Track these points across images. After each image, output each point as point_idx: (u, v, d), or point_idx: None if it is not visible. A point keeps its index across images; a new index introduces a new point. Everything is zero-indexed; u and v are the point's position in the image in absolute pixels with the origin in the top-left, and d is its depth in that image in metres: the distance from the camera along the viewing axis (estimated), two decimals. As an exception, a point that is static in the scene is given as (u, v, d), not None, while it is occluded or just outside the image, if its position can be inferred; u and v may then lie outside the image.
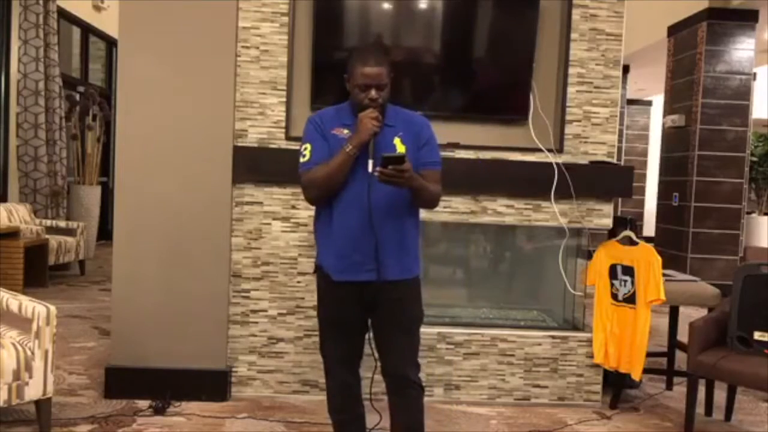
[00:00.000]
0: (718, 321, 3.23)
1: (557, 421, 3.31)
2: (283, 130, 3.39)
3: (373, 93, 2.27)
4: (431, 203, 2.44)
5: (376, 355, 2.42)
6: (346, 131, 2.32)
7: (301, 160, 2.34)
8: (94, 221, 7.43)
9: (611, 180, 3.50)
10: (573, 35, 3.48)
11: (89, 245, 7.09)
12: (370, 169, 2.23)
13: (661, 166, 7.80)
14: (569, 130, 3.51)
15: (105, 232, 8.15)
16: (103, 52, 9.39)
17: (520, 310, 3.96)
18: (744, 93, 6.90)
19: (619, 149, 10.22)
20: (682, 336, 3.49)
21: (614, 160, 3.54)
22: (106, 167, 8.56)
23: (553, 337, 3.54)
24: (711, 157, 6.89)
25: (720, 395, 3.46)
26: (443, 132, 3.45)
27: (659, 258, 3.36)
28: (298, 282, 3.43)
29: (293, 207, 3.41)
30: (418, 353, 2.46)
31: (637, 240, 3.49)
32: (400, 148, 2.32)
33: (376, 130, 2.25)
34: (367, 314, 2.41)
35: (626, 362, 3.40)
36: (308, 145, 2.34)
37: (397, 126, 2.36)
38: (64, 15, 7.72)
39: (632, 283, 3.39)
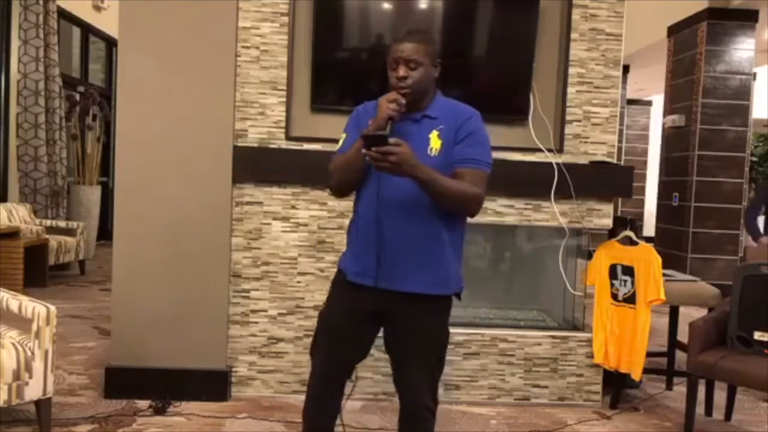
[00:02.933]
0: (718, 321, 3.23)
1: (557, 421, 3.31)
2: (283, 130, 3.39)
3: (401, 71, 2.06)
4: (458, 205, 2.11)
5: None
6: None
7: (336, 149, 2.21)
8: (94, 221, 7.43)
9: (611, 180, 3.50)
10: (573, 35, 3.48)
11: (89, 245, 7.09)
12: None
13: (661, 166, 7.80)
14: (569, 130, 3.51)
15: (105, 232, 8.14)
16: (103, 52, 9.38)
17: (520, 310, 3.96)
18: (744, 93, 6.90)
19: (619, 149, 10.21)
20: (682, 336, 3.49)
21: (614, 160, 3.54)
22: (106, 167, 8.56)
23: (553, 337, 3.54)
24: (711, 157, 6.88)
25: (720, 395, 3.46)
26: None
27: (659, 258, 3.36)
28: (298, 282, 3.43)
29: (293, 207, 3.41)
30: (439, 379, 2.24)
31: (637, 240, 3.49)
32: (435, 144, 2.08)
33: (392, 114, 2.02)
34: (375, 329, 2.20)
35: (626, 362, 3.40)
36: (344, 135, 2.20)
37: (441, 119, 2.12)
38: (64, 15, 7.72)
39: (632, 283, 3.39)
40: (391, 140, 1.92)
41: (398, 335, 2.17)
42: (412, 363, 2.17)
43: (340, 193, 2.23)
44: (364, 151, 1.92)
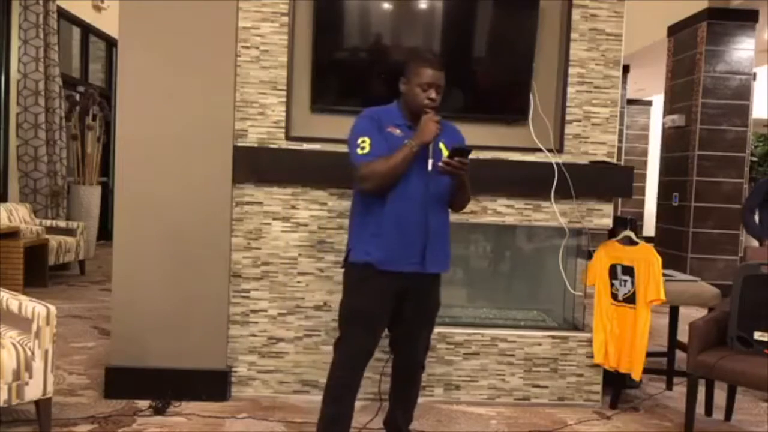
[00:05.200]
0: (718, 321, 3.23)
1: (557, 421, 3.31)
2: (283, 130, 3.39)
3: (433, 94, 2.46)
4: (466, 204, 2.68)
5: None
6: (398, 131, 2.50)
7: (359, 152, 2.46)
8: (94, 221, 7.43)
9: (611, 180, 3.50)
10: (573, 35, 3.48)
11: (89, 245, 7.08)
12: (429, 168, 2.40)
13: (661, 166, 7.80)
14: (569, 130, 3.51)
15: (105, 232, 8.14)
16: (103, 52, 9.38)
17: (520, 310, 3.96)
18: (744, 93, 6.90)
19: (619, 149, 10.22)
20: (682, 336, 3.49)
21: (614, 160, 3.54)
22: (106, 167, 8.56)
23: (553, 337, 3.54)
24: (711, 157, 6.89)
25: (720, 395, 3.46)
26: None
27: (659, 258, 3.36)
28: (298, 282, 3.43)
29: (293, 207, 3.41)
30: None
31: (637, 240, 3.49)
32: (446, 153, 2.47)
33: (438, 133, 2.42)
34: (393, 307, 2.56)
35: (626, 362, 3.40)
36: (367, 139, 2.46)
37: (440, 134, 2.50)
38: (64, 15, 7.72)
39: (632, 283, 3.39)
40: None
41: (417, 308, 2.60)
42: (422, 330, 2.68)
43: (377, 193, 2.49)
44: (446, 159, 2.37)
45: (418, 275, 2.50)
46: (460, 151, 2.36)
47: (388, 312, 2.56)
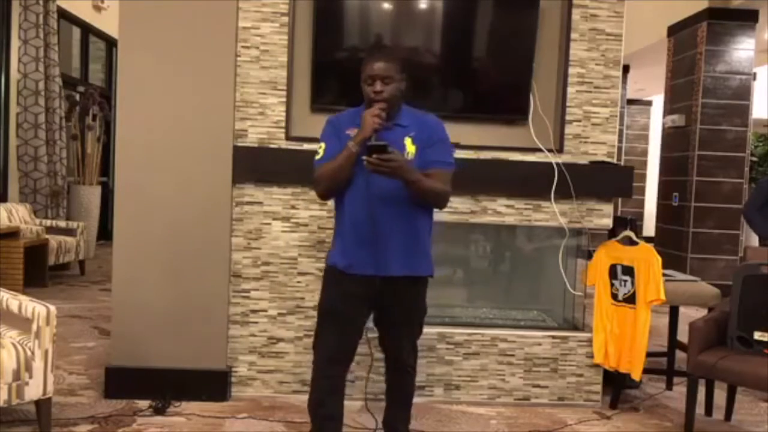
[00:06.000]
0: (718, 321, 3.23)
1: (557, 421, 3.31)
2: (283, 130, 3.39)
3: (377, 86, 2.36)
4: (434, 201, 2.48)
5: (371, 345, 2.53)
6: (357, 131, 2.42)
7: (316, 157, 2.46)
8: (94, 221, 7.43)
9: (611, 180, 3.50)
10: (573, 35, 3.48)
11: (89, 245, 7.08)
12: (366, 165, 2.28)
13: (661, 166, 7.80)
14: (569, 130, 3.51)
15: (105, 232, 8.14)
16: (103, 52, 9.39)
17: (520, 310, 3.96)
18: (744, 93, 6.90)
19: (619, 149, 10.22)
20: (682, 336, 3.49)
21: (614, 160, 3.54)
22: (106, 167, 8.56)
23: (553, 337, 3.54)
24: (711, 157, 6.89)
25: (720, 395, 3.46)
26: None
27: (659, 258, 3.36)
28: (298, 282, 3.43)
29: (293, 207, 3.41)
30: (418, 340, 2.67)
31: (637, 240, 3.49)
32: (410, 149, 2.40)
33: (377, 127, 2.32)
34: (369, 311, 2.52)
35: (626, 362, 3.40)
36: (323, 144, 2.46)
37: (410, 126, 2.44)
38: (64, 15, 7.72)
39: (632, 283, 3.39)
40: (390, 149, 2.22)
41: (391, 313, 2.53)
42: (402, 334, 2.60)
43: (328, 197, 2.52)
44: (365, 158, 2.22)
45: (389, 278, 2.41)
46: (376, 147, 2.23)
47: (358, 314, 2.50)
